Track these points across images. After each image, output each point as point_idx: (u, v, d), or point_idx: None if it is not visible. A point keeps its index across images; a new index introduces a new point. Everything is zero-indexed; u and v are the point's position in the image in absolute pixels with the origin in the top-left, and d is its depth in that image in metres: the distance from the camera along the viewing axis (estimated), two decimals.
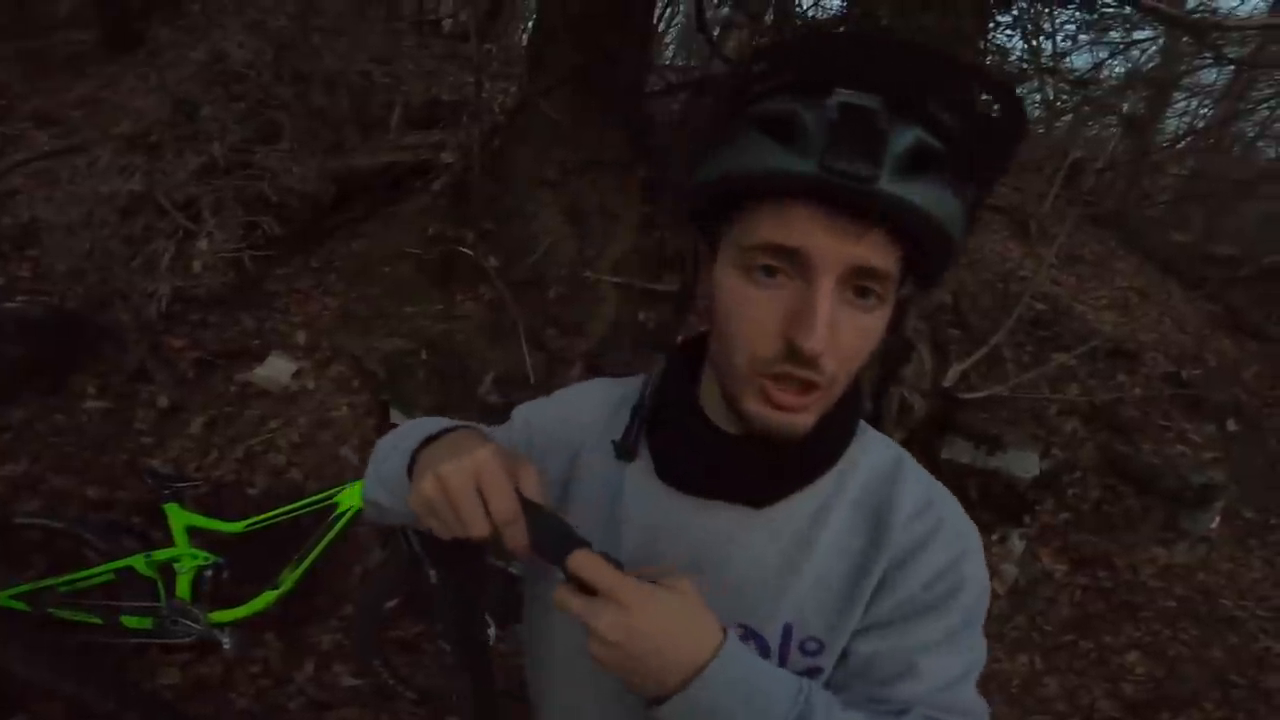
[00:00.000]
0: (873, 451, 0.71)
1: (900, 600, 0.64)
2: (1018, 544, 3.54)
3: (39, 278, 3.29)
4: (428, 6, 7.34)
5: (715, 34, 4.73)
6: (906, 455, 0.73)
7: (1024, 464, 3.65)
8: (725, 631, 0.57)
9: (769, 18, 4.49)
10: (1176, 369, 4.84)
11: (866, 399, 3.48)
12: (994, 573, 3.42)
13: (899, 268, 0.58)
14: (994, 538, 3.56)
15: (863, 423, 0.73)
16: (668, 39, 10.38)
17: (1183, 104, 9.64)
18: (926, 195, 0.53)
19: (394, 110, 4.08)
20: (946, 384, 3.73)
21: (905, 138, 0.52)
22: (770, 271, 0.57)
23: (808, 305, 0.55)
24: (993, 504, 3.64)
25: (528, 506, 0.58)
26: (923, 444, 3.76)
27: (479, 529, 0.57)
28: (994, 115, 0.54)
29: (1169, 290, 6.14)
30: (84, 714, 1.68)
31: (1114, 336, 4.80)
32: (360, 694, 2.37)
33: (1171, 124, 9.79)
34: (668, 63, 8.58)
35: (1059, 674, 3.04)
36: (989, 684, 2.90)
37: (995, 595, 3.32)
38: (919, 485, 0.69)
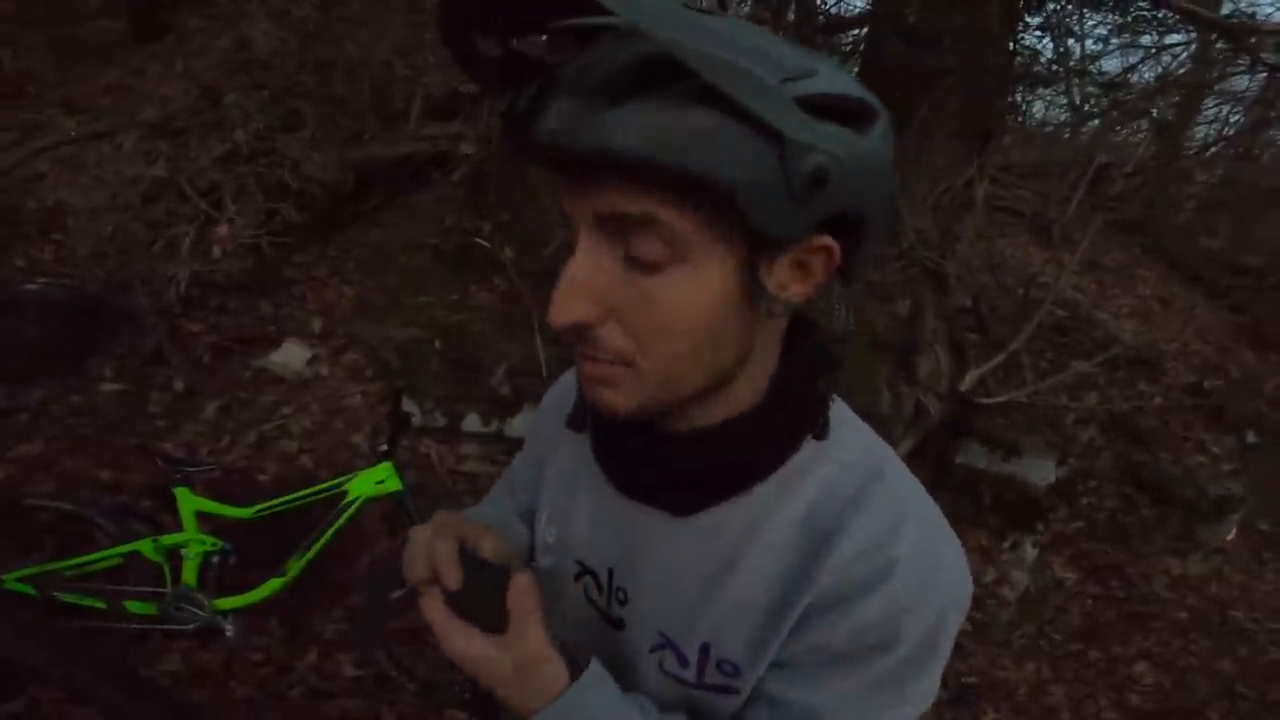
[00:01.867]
0: (836, 462, 0.59)
1: (815, 645, 0.56)
2: (1030, 551, 3.50)
3: (61, 260, 3.33)
4: None
5: None
6: (887, 472, 0.59)
7: (1040, 471, 3.60)
8: (568, 681, 0.56)
9: (791, 15, 4.46)
10: (1198, 379, 4.76)
11: (889, 403, 3.46)
12: (1004, 580, 3.38)
13: (690, 213, 0.46)
14: (1006, 545, 3.52)
15: (845, 428, 0.62)
16: None
17: (1213, 110, 9.47)
18: (624, 120, 0.42)
19: (414, 101, 4.09)
20: (963, 388, 3.69)
21: (620, 50, 0.42)
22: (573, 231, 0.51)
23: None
24: (1006, 510, 3.60)
25: (467, 558, 0.57)
26: (937, 448, 3.72)
27: (416, 572, 0.57)
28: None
29: (1193, 299, 6.04)
30: (84, 699, 1.69)
31: (1135, 345, 4.73)
32: (362, 684, 2.37)
33: (1201, 130, 9.63)
34: None
35: (1065, 683, 3.01)
36: (994, 692, 2.88)
37: (1005, 603, 3.29)
38: (881, 516, 0.56)
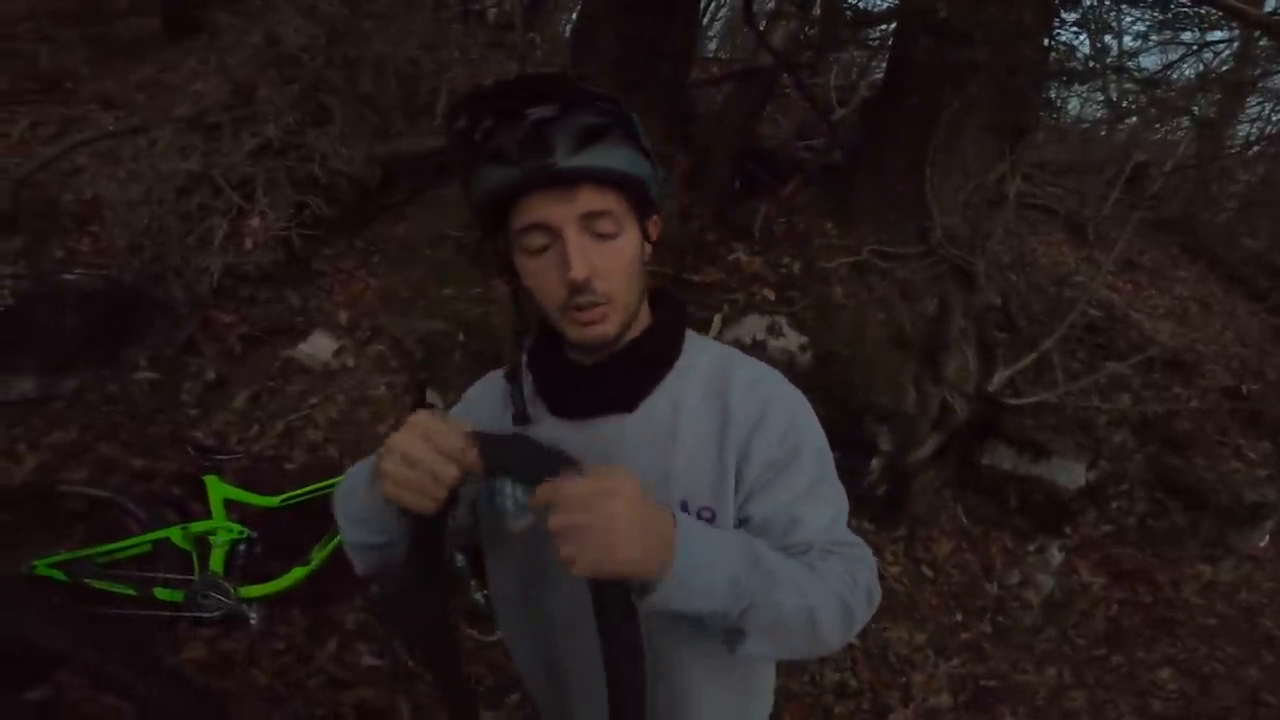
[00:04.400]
0: (705, 351, 0.94)
1: (765, 462, 0.84)
2: (1056, 555, 3.44)
3: (98, 252, 3.41)
4: None
5: (762, 26, 4.65)
6: (733, 349, 0.95)
7: (1069, 474, 3.53)
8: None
9: (816, 10, 4.41)
10: (1236, 383, 4.63)
11: (907, 395, 3.41)
12: (1029, 582, 3.33)
13: (622, 205, 0.81)
14: (1031, 547, 3.46)
15: (691, 333, 0.95)
16: (711, 31, 10.30)
17: (1256, 108, 9.20)
18: (602, 155, 0.76)
19: (440, 96, 4.11)
20: (992, 388, 3.63)
21: (574, 123, 0.74)
22: (539, 246, 0.80)
23: (564, 252, 0.79)
24: (1032, 513, 3.54)
25: (478, 435, 0.73)
26: (963, 448, 3.67)
27: (444, 470, 0.71)
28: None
29: (1232, 301, 5.88)
30: (109, 686, 1.72)
31: (1171, 347, 4.61)
32: (380, 674, 2.40)
33: (1244, 129, 9.37)
34: (711, 55, 8.51)
35: (1087, 688, 2.96)
36: (1014, 695, 2.84)
37: (1028, 606, 3.23)
38: (746, 368, 0.91)
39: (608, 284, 0.81)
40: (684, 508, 0.83)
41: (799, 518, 0.82)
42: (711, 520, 0.83)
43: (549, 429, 0.89)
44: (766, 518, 0.82)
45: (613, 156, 0.77)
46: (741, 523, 0.84)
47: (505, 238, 0.84)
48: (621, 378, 0.89)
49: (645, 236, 0.87)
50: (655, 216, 0.89)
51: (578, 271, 0.78)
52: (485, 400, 1.01)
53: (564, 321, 0.84)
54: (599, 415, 0.89)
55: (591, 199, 0.78)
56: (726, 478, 0.84)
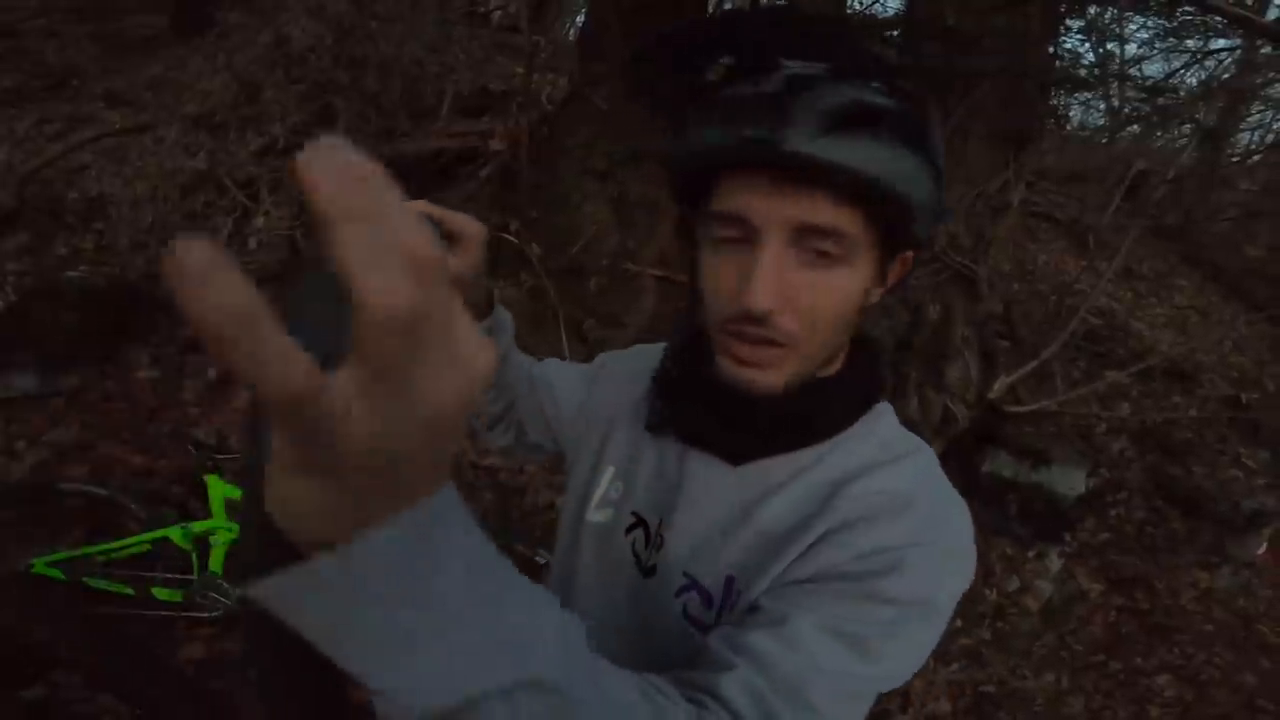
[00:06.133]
0: (876, 440, 0.67)
1: (822, 567, 0.58)
2: (1055, 561, 3.45)
3: (102, 249, 3.42)
4: None
5: None
6: (924, 455, 0.67)
7: (1069, 481, 3.54)
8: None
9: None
10: (1235, 392, 4.64)
11: (910, 398, 3.42)
12: (1028, 589, 3.33)
13: (862, 227, 0.58)
14: (1031, 554, 3.47)
15: (887, 417, 0.70)
16: None
17: (1257, 116, 9.23)
18: (859, 152, 0.54)
19: (444, 98, 4.13)
20: (992, 395, 3.64)
21: (835, 97, 0.54)
22: (730, 240, 0.60)
23: (751, 266, 0.57)
24: (1033, 520, 3.55)
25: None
26: (964, 455, 3.67)
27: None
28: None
29: (1232, 310, 5.89)
30: (105, 685, 1.71)
31: (1171, 356, 4.62)
32: None
33: (1245, 137, 9.39)
34: None
35: (1085, 694, 2.96)
36: (1011, 701, 2.84)
37: (1027, 612, 3.24)
38: (906, 475, 0.64)
39: (798, 324, 0.59)
40: (729, 584, 0.64)
41: (786, 623, 0.54)
42: (733, 604, 0.62)
43: (658, 438, 0.75)
44: (762, 606, 0.58)
45: (873, 155, 0.54)
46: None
47: (699, 216, 0.64)
48: (744, 426, 0.67)
49: (881, 278, 0.63)
50: (908, 254, 0.65)
51: (759, 300, 0.57)
52: (618, 378, 0.85)
53: (721, 343, 0.63)
54: (703, 448, 0.71)
55: (818, 206, 0.56)
56: (772, 567, 0.61)
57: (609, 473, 0.79)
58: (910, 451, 0.66)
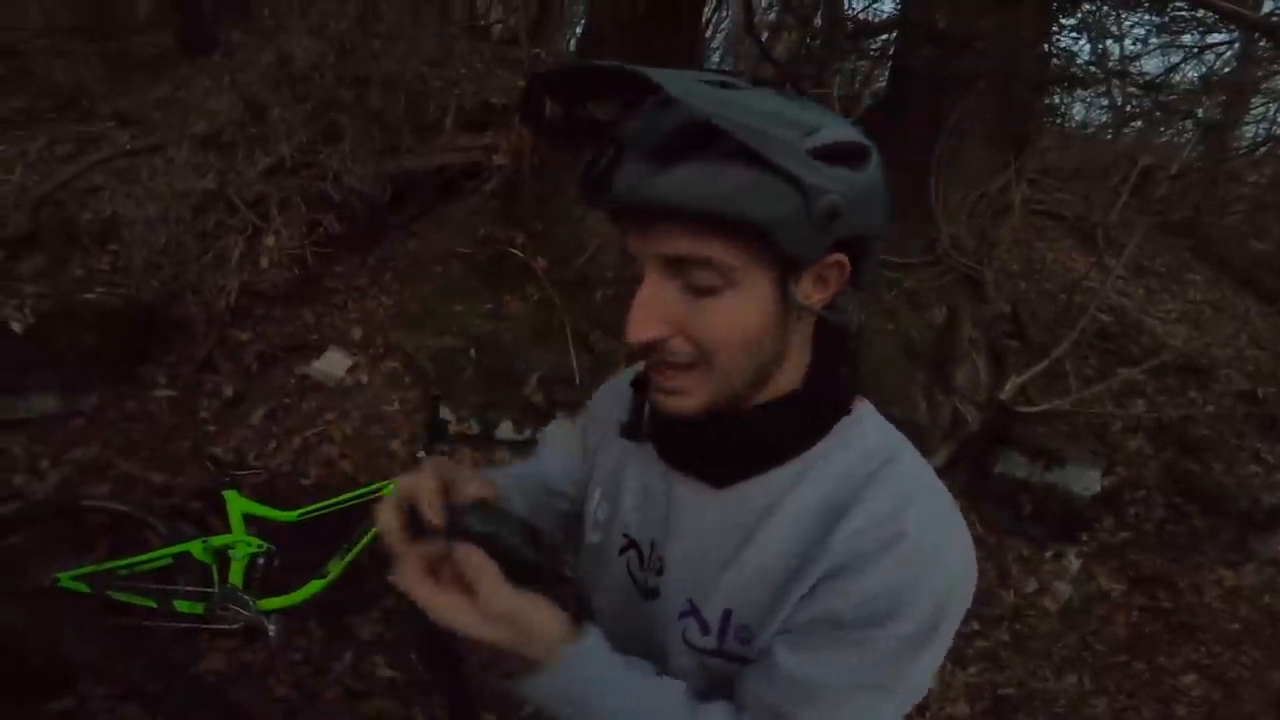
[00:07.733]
0: (855, 449, 0.67)
1: (824, 612, 0.60)
2: (1073, 562, 3.42)
3: (117, 270, 3.45)
4: (478, 12, 7.50)
5: (764, 37, 4.69)
6: (902, 458, 0.66)
7: (1084, 481, 3.53)
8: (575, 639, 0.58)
9: (818, 21, 4.44)
10: (1252, 387, 4.60)
11: (922, 405, 3.41)
12: (1046, 590, 3.31)
13: (735, 250, 0.56)
14: (1048, 555, 3.45)
15: (866, 421, 0.70)
16: (715, 43, 10.38)
17: (1260, 109, 9.19)
18: (691, 181, 0.53)
19: (448, 113, 4.16)
20: (1003, 397, 3.62)
21: (663, 125, 0.54)
22: (639, 275, 0.61)
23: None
24: (1048, 521, 3.53)
25: (453, 509, 0.59)
26: (976, 457, 3.66)
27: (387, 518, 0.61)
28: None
29: (1245, 304, 5.85)
30: (132, 696, 1.74)
31: (1185, 351, 4.59)
32: (396, 686, 2.41)
33: (1250, 130, 9.35)
34: (714, 67, 8.55)
35: (1109, 695, 2.94)
36: (1032, 703, 2.82)
37: (1046, 613, 3.22)
38: (892, 493, 0.62)
39: (692, 348, 0.60)
40: (726, 617, 0.67)
41: (820, 701, 0.60)
42: (749, 642, 0.66)
43: (642, 458, 0.77)
44: (787, 676, 0.61)
45: (706, 179, 0.52)
46: (764, 650, 0.65)
47: None
48: (718, 449, 0.68)
49: (786, 294, 0.60)
50: (838, 258, 0.60)
51: (631, 332, 0.59)
52: (604, 400, 0.88)
53: (649, 373, 0.66)
54: (686, 473, 0.72)
55: (674, 240, 0.56)
56: (781, 610, 0.63)
57: (596, 495, 0.81)
58: (891, 457, 0.66)
